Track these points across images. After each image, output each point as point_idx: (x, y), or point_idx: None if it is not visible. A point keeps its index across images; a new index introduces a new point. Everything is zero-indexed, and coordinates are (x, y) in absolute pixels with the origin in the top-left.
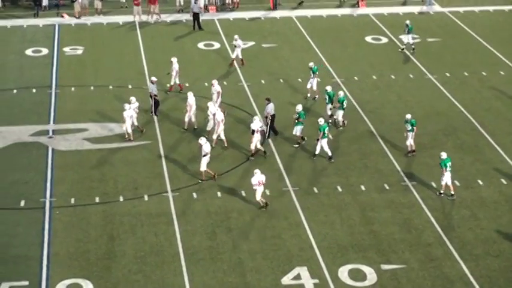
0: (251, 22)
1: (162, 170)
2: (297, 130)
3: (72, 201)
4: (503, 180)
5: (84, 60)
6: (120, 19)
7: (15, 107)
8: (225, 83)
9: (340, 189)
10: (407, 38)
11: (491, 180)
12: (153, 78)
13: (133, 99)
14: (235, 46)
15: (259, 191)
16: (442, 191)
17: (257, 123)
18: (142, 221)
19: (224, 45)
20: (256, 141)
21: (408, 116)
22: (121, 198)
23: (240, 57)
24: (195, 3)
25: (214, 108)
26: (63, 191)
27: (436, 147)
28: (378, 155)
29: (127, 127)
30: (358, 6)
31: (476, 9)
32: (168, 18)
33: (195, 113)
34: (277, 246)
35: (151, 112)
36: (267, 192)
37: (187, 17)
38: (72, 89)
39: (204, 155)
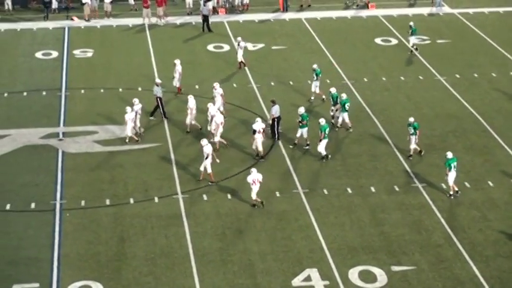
0: (260, 24)
1: (172, 172)
2: (302, 132)
3: (83, 203)
4: None
5: (93, 63)
6: (130, 22)
7: (25, 109)
8: (234, 84)
9: (350, 191)
10: (411, 40)
11: (502, 181)
12: (158, 80)
13: (136, 100)
14: (239, 48)
15: (254, 189)
16: (451, 192)
17: (259, 124)
18: (152, 223)
19: (233, 48)
20: (257, 142)
21: (411, 120)
22: (131, 200)
23: (240, 60)
24: (204, 5)
25: (214, 110)
26: (74, 193)
27: (446, 148)
28: (388, 156)
29: (128, 130)
30: (368, 8)
31: (486, 10)
32: (177, 20)
33: (195, 116)
34: (288, 248)
35: (162, 114)
36: (277, 194)
37: (196, 19)
38: (82, 91)
39: (206, 157)
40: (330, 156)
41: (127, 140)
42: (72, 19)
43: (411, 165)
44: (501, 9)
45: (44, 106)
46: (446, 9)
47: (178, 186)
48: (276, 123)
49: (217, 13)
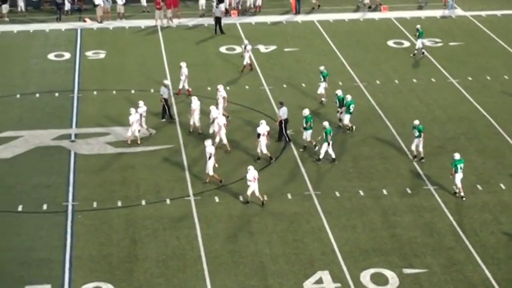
0: (273, 26)
1: (184, 174)
2: (307, 135)
3: (95, 204)
4: None
5: (106, 65)
6: (142, 23)
7: (37, 111)
8: (246, 86)
9: (362, 193)
10: (418, 43)
11: None
12: (166, 82)
13: (141, 103)
14: (245, 51)
15: (252, 187)
16: (462, 194)
17: (264, 127)
18: (164, 225)
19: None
20: (261, 145)
21: (416, 122)
22: (143, 202)
23: (245, 62)
24: (217, 7)
25: (216, 113)
26: (86, 195)
27: (458, 151)
28: (400, 159)
29: (134, 131)
30: (380, 10)
31: (499, 13)
32: (190, 22)
33: (199, 118)
34: (299, 250)
35: (168, 115)
36: (289, 196)
37: (209, 21)
38: (95, 93)
39: (209, 158)
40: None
41: (129, 142)
42: (84, 20)
43: (423, 167)
44: None
45: (56, 108)
46: (459, 11)
47: (190, 188)
48: (283, 125)
49: (230, 15)
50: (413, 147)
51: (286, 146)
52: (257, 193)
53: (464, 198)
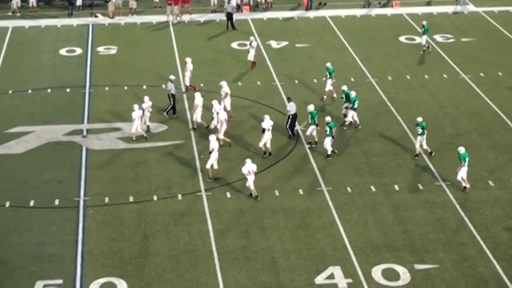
0: (285, 22)
1: (195, 169)
2: (311, 130)
3: (106, 200)
4: None
5: (117, 60)
6: (154, 19)
7: (49, 106)
8: (258, 82)
9: (373, 189)
10: (423, 39)
11: None
12: (172, 77)
13: (146, 98)
14: (251, 47)
15: (250, 179)
16: (466, 185)
17: (268, 122)
18: (175, 220)
19: (258, 45)
20: (265, 140)
21: (419, 119)
22: (155, 197)
23: (252, 59)
24: (229, 3)
25: (218, 107)
26: (97, 190)
27: (470, 147)
28: (412, 154)
29: (136, 127)
30: (392, 6)
31: (511, 9)
32: (201, 18)
33: (201, 114)
34: (311, 246)
35: (171, 111)
36: (300, 191)
37: (221, 16)
38: (106, 88)
39: (211, 152)
40: (336, 152)
41: (134, 138)
42: (96, 16)
43: (434, 163)
44: None
45: (68, 103)
46: (471, 7)
47: (201, 184)
48: (292, 120)
49: (241, 11)
50: (417, 145)
51: (297, 141)
52: (252, 186)
53: (467, 189)
